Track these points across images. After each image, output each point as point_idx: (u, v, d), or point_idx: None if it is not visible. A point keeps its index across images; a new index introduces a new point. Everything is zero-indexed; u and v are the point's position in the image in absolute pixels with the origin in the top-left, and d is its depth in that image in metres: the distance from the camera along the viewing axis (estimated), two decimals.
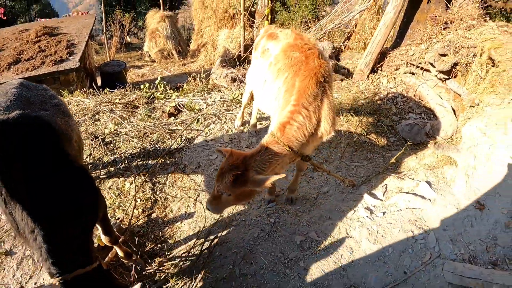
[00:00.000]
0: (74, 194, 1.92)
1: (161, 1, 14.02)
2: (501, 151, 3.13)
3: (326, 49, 6.61)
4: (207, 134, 4.61)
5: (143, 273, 2.92)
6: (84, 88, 6.66)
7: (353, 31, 6.85)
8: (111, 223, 2.76)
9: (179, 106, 5.22)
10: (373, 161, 4.10)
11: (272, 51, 3.12)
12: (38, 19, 15.43)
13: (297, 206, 3.46)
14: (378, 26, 5.28)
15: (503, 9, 5.45)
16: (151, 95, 5.52)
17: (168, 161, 4.22)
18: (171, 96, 5.60)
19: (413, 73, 5.37)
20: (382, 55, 5.64)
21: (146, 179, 3.97)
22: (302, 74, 2.48)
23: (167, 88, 5.91)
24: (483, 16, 4.88)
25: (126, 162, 4.18)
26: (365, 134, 4.62)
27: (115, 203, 3.73)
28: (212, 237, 3.18)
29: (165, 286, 2.76)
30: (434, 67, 4.80)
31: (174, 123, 4.80)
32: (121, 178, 4.02)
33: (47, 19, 13.76)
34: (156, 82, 5.76)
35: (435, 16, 4.83)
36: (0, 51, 6.70)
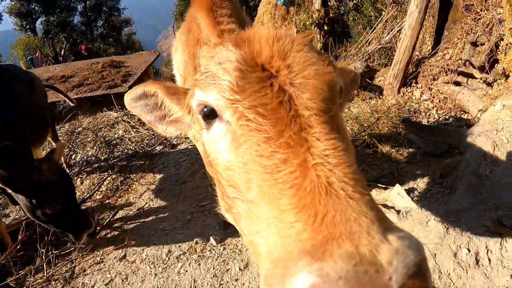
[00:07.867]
0: None
1: None
2: None
3: (358, 68, 5.93)
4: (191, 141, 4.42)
5: None
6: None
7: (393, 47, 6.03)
8: None
9: None
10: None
11: None
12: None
13: None
14: (403, 29, 4.48)
15: None
16: None
17: (147, 162, 4.17)
18: None
19: (457, 83, 4.27)
20: (417, 66, 4.72)
21: (121, 174, 3.98)
22: None
23: None
24: None
25: (117, 160, 4.34)
26: (371, 140, 3.69)
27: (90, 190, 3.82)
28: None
29: None
30: (475, 67, 3.73)
31: None
32: (105, 172, 4.15)
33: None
34: None
35: (468, 5, 3.83)
36: (72, 77, 8.02)
